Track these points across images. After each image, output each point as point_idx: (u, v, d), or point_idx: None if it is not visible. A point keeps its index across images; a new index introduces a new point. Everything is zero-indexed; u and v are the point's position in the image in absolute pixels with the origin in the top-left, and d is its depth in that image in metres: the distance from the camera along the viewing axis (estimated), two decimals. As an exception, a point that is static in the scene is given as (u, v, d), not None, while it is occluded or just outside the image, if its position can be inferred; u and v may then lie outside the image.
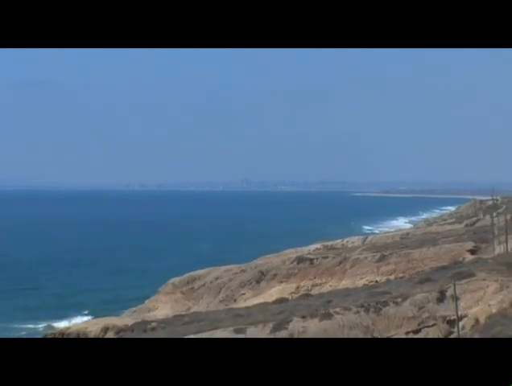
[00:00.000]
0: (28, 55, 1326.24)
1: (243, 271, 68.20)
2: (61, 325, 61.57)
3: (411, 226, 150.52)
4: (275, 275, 66.19)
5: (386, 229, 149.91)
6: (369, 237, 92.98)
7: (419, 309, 35.47)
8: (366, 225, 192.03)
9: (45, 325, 66.49)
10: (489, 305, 34.53)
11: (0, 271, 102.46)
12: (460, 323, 32.44)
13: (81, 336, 48.24)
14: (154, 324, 41.14)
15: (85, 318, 65.56)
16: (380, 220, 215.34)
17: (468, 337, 30.15)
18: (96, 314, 67.16)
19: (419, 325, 34.91)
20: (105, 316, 57.84)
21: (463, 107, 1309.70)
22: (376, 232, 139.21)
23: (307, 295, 52.68)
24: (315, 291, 58.86)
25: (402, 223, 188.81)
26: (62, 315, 70.65)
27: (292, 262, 67.74)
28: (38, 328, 65.70)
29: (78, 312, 72.39)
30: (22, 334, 60.48)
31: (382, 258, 63.55)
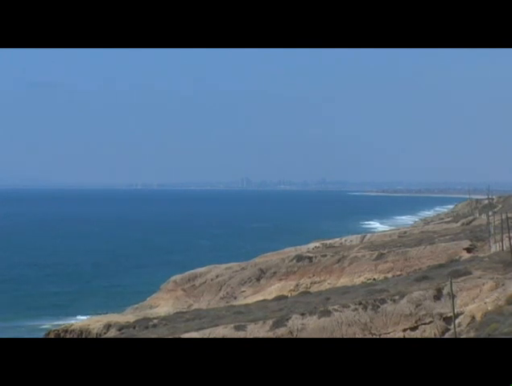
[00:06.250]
0: (34, 57, 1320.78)
1: (243, 269, 68.64)
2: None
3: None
4: (275, 273, 66.66)
5: (396, 226, 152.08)
6: (367, 236, 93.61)
7: (416, 306, 35.80)
8: (378, 223, 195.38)
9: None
10: (485, 303, 34.88)
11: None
12: (457, 320, 32.56)
13: (84, 333, 48.76)
14: (155, 321, 41.48)
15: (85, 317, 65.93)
16: (388, 218, 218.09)
17: (466, 337, 30.48)
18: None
19: (416, 322, 35.43)
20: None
21: (459, 107, 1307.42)
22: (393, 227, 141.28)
23: (306, 293, 53.15)
24: (313, 289, 59.31)
25: (410, 222, 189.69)
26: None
27: (291, 260, 68.19)
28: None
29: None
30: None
31: (380, 256, 64.02)
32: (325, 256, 67.62)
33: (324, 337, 32.86)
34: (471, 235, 70.14)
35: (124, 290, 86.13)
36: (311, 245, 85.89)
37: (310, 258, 67.55)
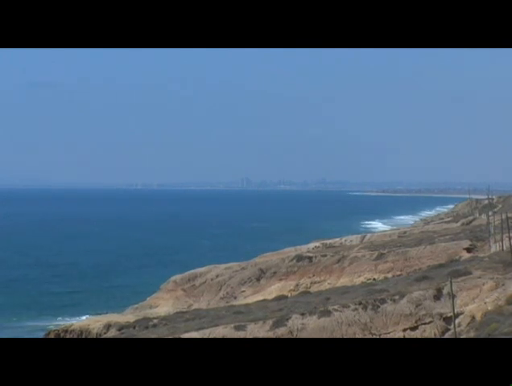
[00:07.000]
0: (34, 57, 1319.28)
1: (243, 269, 68.65)
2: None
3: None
4: (275, 273, 66.68)
5: (397, 226, 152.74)
6: (367, 236, 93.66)
7: (416, 306, 35.85)
8: (380, 223, 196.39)
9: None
10: (485, 303, 34.94)
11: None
12: (457, 320, 32.56)
13: (84, 333, 48.82)
14: (155, 321, 41.53)
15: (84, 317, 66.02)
16: (389, 218, 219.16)
17: (466, 337, 30.52)
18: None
19: (416, 322, 35.46)
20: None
21: (459, 107, 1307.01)
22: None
23: (306, 293, 53.21)
24: (314, 289, 59.33)
25: (411, 221, 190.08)
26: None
27: (291, 260, 68.21)
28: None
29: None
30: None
31: (380, 256, 64.04)
32: (325, 256, 67.64)
33: (324, 337, 32.88)
34: (471, 235, 70.16)
35: (124, 290, 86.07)
36: (311, 245, 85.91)
37: (310, 258, 67.57)
